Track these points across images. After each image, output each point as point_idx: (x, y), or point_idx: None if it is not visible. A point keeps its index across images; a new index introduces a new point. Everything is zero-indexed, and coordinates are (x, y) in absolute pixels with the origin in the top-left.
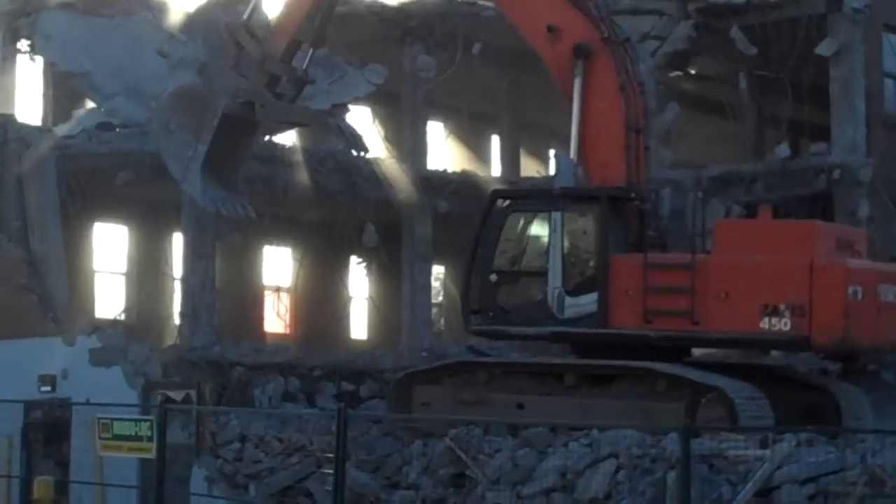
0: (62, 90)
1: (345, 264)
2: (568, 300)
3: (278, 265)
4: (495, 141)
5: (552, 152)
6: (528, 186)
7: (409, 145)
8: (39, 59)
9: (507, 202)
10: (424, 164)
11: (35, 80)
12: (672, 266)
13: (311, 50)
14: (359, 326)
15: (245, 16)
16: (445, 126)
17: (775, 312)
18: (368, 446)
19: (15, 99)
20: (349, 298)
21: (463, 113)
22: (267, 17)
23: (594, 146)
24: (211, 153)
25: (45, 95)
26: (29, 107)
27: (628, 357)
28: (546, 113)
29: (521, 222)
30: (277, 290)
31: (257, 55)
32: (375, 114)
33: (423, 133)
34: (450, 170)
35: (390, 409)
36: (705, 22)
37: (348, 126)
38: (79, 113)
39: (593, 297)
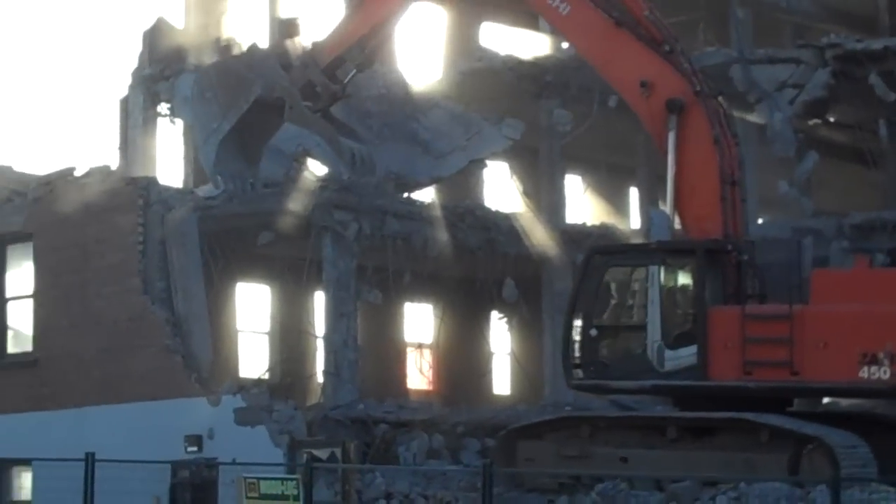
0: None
1: (486, 320)
2: (668, 353)
3: (420, 322)
4: (633, 193)
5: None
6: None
7: (548, 199)
8: (179, 122)
9: (606, 257)
10: (563, 217)
11: (175, 143)
12: (770, 317)
13: (353, 71)
14: (501, 382)
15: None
16: (583, 179)
17: (874, 361)
18: (514, 502)
19: (156, 161)
20: (491, 354)
21: (601, 166)
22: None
23: (690, 199)
24: (237, 128)
25: (186, 157)
26: (170, 169)
27: (730, 408)
28: None
29: (620, 277)
30: (419, 346)
31: (303, 58)
32: (513, 169)
33: (562, 187)
34: (589, 223)
35: (495, 465)
36: (843, 69)
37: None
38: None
39: (692, 349)
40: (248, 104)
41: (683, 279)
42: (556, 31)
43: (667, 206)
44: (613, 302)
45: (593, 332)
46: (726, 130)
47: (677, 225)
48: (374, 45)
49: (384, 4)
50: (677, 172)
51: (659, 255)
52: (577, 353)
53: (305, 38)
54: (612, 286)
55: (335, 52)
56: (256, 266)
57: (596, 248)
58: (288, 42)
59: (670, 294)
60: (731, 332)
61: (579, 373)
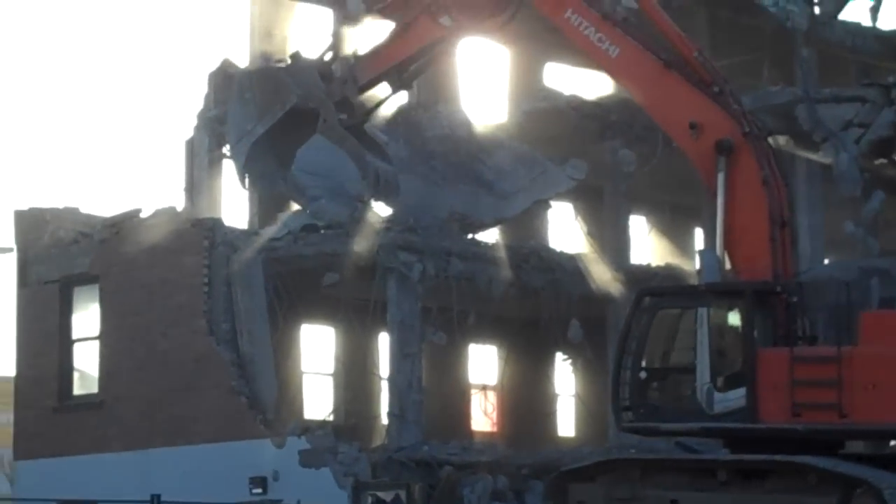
0: (267, 193)
1: (550, 361)
2: (717, 395)
3: (484, 363)
4: (698, 233)
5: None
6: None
7: (612, 239)
8: None
9: (655, 299)
10: (627, 258)
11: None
12: (818, 359)
13: (390, 92)
14: (566, 423)
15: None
16: (647, 219)
17: None
18: None
19: (221, 203)
20: (555, 395)
21: (665, 206)
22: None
23: (740, 240)
24: (270, 132)
25: (251, 199)
26: (235, 210)
27: (780, 451)
28: None
29: (669, 319)
30: (484, 388)
31: (342, 73)
32: (577, 209)
33: (626, 227)
34: (653, 263)
35: None
36: None
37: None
38: (284, 215)
39: (741, 391)
40: (283, 111)
41: (732, 321)
42: (606, 73)
43: (717, 247)
44: (663, 343)
45: (643, 374)
46: (776, 171)
47: (728, 266)
48: (413, 70)
49: (427, 31)
50: (727, 214)
51: (708, 296)
52: (626, 396)
53: (349, 53)
54: (662, 328)
55: (374, 72)
56: (321, 307)
57: (645, 290)
58: (331, 54)
59: (719, 336)
60: (780, 374)
61: (629, 415)
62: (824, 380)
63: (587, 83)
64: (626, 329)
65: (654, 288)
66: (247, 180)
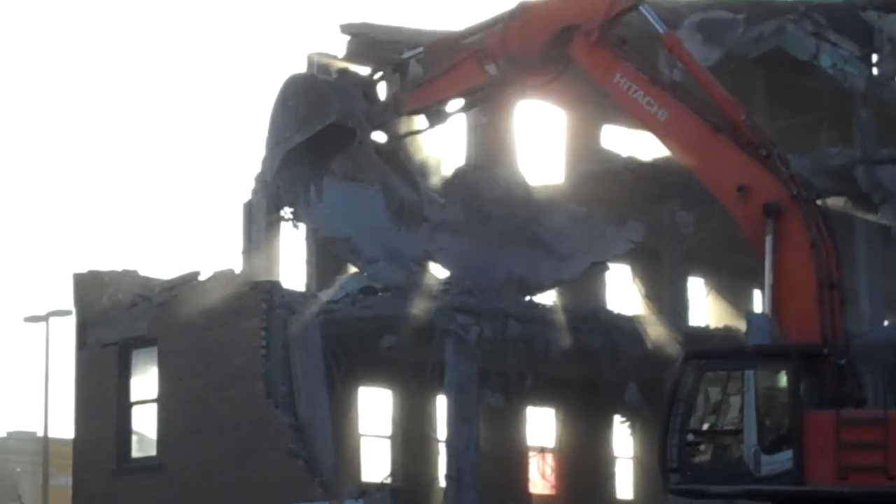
0: (325, 256)
1: (608, 423)
2: (764, 458)
3: (542, 425)
4: (756, 295)
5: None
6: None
7: (670, 301)
8: (302, 226)
9: (702, 361)
10: (686, 320)
11: (298, 247)
12: (864, 421)
13: (427, 125)
14: (624, 486)
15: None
16: (706, 281)
17: None
18: None
19: (279, 266)
20: (613, 458)
21: (723, 268)
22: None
23: (788, 303)
24: (307, 143)
25: (309, 261)
26: (293, 273)
27: None
28: None
29: (716, 381)
30: (542, 450)
31: (386, 99)
32: (635, 271)
33: (684, 289)
34: (711, 325)
35: None
36: None
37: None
38: (341, 278)
39: (789, 454)
40: (321, 126)
41: (779, 383)
42: (655, 137)
43: (765, 309)
44: (710, 405)
45: (690, 435)
46: (824, 233)
47: (778, 328)
48: (453, 110)
49: (471, 75)
50: (775, 276)
51: (754, 359)
52: (674, 457)
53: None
54: (709, 390)
55: (415, 104)
56: (378, 370)
57: (692, 352)
58: (379, 74)
59: (766, 398)
60: (827, 436)
61: (677, 477)
62: (870, 442)
63: (644, 145)
64: (673, 390)
65: (700, 350)
66: (274, 188)
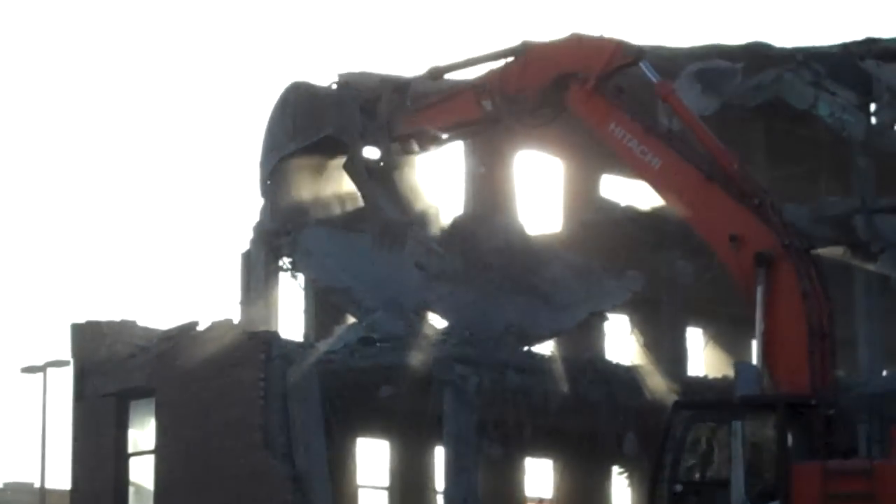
0: (323, 306)
1: (606, 474)
2: None
3: (540, 476)
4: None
5: None
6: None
7: (669, 351)
8: (300, 276)
9: (690, 412)
10: (684, 370)
11: (297, 297)
12: (851, 472)
13: (417, 149)
14: None
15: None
16: (705, 332)
17: None
18: None
19: (278, 316)
20: None
21: (722, 318)
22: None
23: (779, 353)
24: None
25: (307, 311)
26: (291, 323)
27: None
28: None
29: (704, 432)
30: (540, 501)
31: (382, 119)
32: (634, 321)
33: (683, 339)
34: (710, 375)
35: None
36: None
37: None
38: (340, 328)
39: None
40: (316, 138)
41: (766, 434)
42: (648, 185)
43: (755, 359)
44: (699, 456)
45: (678, 487)
46: (816, 283)
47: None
48: (442, 138)
49: (467, 108)
50: (766, 326)
51: (741, 409)
52: None
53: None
54: (698, 440)
55: (408, 128)
56: (377, 420)
57: (680, 403)
58: (379, 95)
59: (754, 449)
60: (813, 487)
61: None
62: (857, 493)
63: (643, 194)
64: (662, 441)
65: (689, 400)
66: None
